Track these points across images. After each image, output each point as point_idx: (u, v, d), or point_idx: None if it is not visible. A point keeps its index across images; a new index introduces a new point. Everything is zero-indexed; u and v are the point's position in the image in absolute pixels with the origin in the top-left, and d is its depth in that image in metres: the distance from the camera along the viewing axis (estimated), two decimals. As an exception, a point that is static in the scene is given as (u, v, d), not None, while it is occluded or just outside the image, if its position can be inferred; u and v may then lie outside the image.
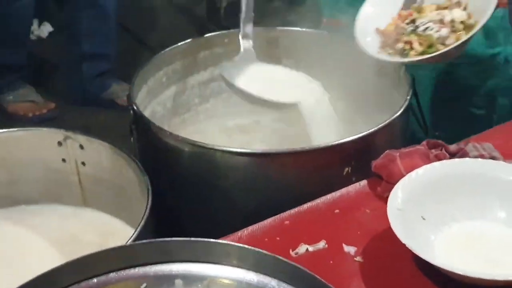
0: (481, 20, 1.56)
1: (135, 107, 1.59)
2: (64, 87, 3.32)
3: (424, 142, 1.45)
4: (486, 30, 1.87)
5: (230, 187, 1.49)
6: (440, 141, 1.45)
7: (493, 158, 1.37)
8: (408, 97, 1.55)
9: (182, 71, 1.84)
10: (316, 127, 1.68)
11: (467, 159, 1.34)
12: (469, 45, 1.86)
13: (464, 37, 1.58)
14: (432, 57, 1.56)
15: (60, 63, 3.38)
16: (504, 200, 1.27)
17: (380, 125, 1.48)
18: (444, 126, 1.87)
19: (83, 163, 1.63)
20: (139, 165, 1.49)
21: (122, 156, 1.54)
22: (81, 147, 1.61)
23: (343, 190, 1.43)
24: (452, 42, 1.57)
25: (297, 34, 1.85)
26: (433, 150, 1.43)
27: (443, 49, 1.55)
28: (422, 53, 1.57)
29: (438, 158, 1.39)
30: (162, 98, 1.82)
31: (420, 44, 1.58)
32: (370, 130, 1.47)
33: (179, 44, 1.81)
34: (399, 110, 1.52)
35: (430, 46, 1.58)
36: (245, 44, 1.72)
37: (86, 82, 3.26)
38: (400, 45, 1.60)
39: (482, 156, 1.37)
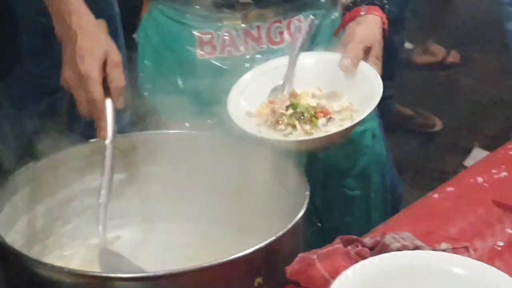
0: (366, 109, 1.56)
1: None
2: None
3: (337, 239, 1.35)
4: None
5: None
6: (353, 236, 1.36)
7: (417, 248, 1.28)
8: (307, 193, 1.44)
9: (40, 191, 1.61)
10: None
11: (395, 253, 1.25)
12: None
13: (347, 124, 1.57)
14: (318, 138, 1.54)
15: None
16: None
17: (285, 229, 1.34)
18: (322, 213, 1.76)
19: None
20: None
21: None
22: None
23: (260, 304, 1.28)
24: (334, 129, 1.56)
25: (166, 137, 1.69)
26: (349, 247, 1.32)
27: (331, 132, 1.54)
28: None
29: (360, 255, 1.28)
30: (20, 225, 1.58)
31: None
32: (277, 236, 1.33)
33: (37, 161, 1.59)
34: (301, 209, 1.39)
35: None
36: None
37: None
38: (281, 127, 1.57)
39: (405, 247, 1.28)
